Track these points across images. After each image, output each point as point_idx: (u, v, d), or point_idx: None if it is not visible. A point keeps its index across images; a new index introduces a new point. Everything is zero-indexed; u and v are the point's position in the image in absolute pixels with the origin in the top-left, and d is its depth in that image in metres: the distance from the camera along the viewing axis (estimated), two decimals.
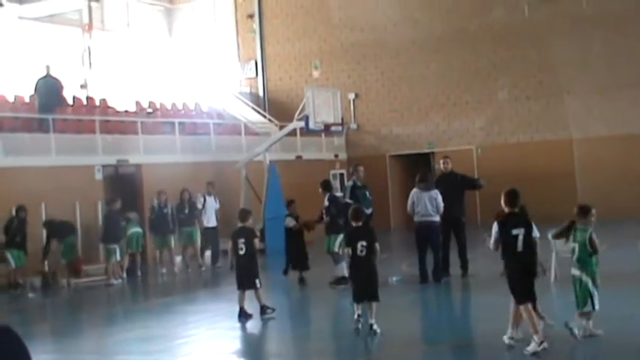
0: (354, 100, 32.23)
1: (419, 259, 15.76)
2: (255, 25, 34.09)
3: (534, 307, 9.31)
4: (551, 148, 28.68)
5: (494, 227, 9.61)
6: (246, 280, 12.81)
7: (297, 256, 17.07)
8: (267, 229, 23.92)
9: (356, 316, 11.16)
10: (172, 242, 21.51)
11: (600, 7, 28.05)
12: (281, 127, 27.54)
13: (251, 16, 34.19)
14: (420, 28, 30.94)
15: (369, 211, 16.53)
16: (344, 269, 15.17)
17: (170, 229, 21.37)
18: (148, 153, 23.80)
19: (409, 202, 15.78)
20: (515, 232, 9.40)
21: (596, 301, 9.35)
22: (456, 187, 16.51)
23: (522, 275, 9.35)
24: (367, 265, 11.09)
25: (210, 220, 21.89)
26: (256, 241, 13.12)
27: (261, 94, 34.08)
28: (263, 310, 12.88)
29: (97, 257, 21.21)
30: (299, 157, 29.03)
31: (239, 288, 12.89)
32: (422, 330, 12.39)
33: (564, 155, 28.38)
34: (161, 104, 29.47)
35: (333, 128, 24.93)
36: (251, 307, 12.86)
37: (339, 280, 15.65)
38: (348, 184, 17.42)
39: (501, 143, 29.82)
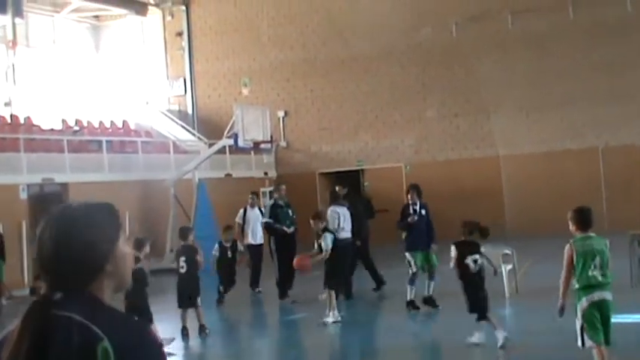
0: (283, 118, 32.21)
1: (345, 275, 15.76)
2: (184, 43, 33.88)
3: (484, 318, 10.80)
4: (478, 165, 29.04)
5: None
6: (187, 299, 12.68)
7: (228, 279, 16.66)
8: None
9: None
10: None
11: (525, 27, 28.57)
12: (210, 145, 27.36)
13: (180, 34, 33.98)
14: (350, 46, 31.11)
15: (291, 229, 16.68)
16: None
17: None
18: (75, 171, 23.41)
19: (335, 217, 15.53)
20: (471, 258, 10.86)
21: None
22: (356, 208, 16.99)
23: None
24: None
25: (255, 236, 18.32)
26: (198, 258, 12.95)
27: (190, 111, 33.84)
28: (201, 329, 12.76)
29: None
30: (228, 175, 28.85)
31: (180, 306, 12.75)
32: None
33: (492, 172, 28.76)
34: (88, 122, 29.05)
35: (262, 146, 24.91)
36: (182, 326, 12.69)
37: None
38: (269, 202, 17.40)
39: (430, 161, 30.09)
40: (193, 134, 31.65)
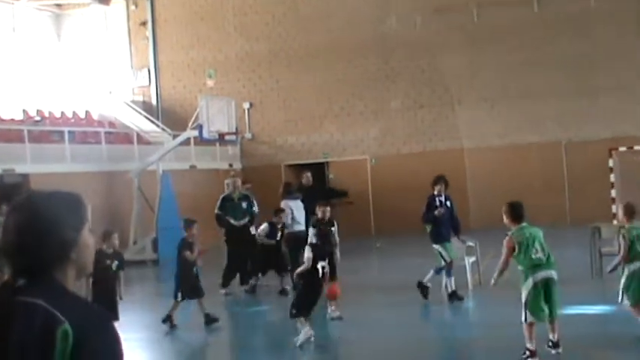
0: (248, 110, 32.07)
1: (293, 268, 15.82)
2: (148, 33, 33.59)
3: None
4: (443, 157, 29.07)
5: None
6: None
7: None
8: (160, 239, 23.64)
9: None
10: None
11: (491, 20, 28.66)
12: (175, 137, 27.18)
13: (144, 24, 33.68)
14: (316, 37, 31.02)
15: (244, 221, 16.59)
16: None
17: None
18: (36, 162, 23.13)
19: (288, 211, 15.84)
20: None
21: None
22: (317, 198, 16.87)
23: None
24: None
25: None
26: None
27: (154, 102, 33.58)
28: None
29: None
30: (193, 167, 28.69)
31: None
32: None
33: (456, 165, 28.80)
34: (50, 112, 28.73)
35: (227, 137, 24.75)
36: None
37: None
38: (221, 195, 17.25)
39: (395, 153, 30.12)
40: (157, 125, 31.42)
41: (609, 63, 27.48)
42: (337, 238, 13.07)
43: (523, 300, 9.18)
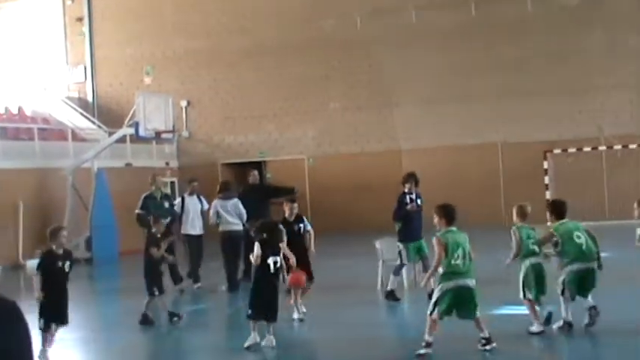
0: (186, 108, 31.84)
1: (226, 267, 15.85)
2: (85, 29, 33.13)
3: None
4: (380, 158, 29.22)
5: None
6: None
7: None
8: (95, 237, 23.34)
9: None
10: None
11: (429, 22, 28.87)
12: (111, 134, 26.83)
13: (80, 19, 33.21)
14: (254, 37, 30.91)
15: (167, 220, 16.42)
16: None
17: None
18: None
19: (212, 211, 16.06)
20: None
21: None
22: (262, 197, 17.13)
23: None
24: None
25: (194, 226, 16.91)
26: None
27: (90, 99, 33.13)
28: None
29: None
30: (129, 165, 28.33)
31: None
32: None
33: (393, 166, 28.93)
34: None
35: (164, 135, 24.51)
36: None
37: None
38: (143, 194, 17.01)
39: (333, 153, 30.16)
40: (93, 122, 30.98)
41: (545, 66, 27.89)
42: (312, 232, 12.73)
43: (434, 297, 9.43)
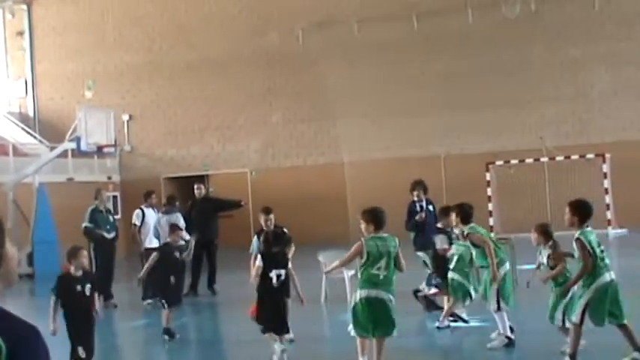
0: (128, 122, 31.68)
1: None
2: (25, 43, 32.83)
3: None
4: (323, 171, 29.38)
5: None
6: None
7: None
8: (36, 253, 23.12)
9: None
10: None
11: (371, 35, 29.11)
12: (52, 149, 26.60)
13: (21, 34, 32.90)
14: (196, 50, 30.91)
15: (111, 235, 16.48)
16: None
17: None
18: None
19: (155, 227, 16.24)
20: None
21: None
22: (209, 210, 17.52)
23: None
24: None
25: (152, 239, 16.62)
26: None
27: (31, 113, 32.80)
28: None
29: None
30: (70, 179, 28.10)
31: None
32: None
33: (336, 178, 29.17)
34: None
35: (106, 150, 24.41)
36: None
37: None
38: (89, 208, 16.97)
39: (275, 166, 30.23)
40: (35, 137, 30.68)
41: (487, 79, 28.27)
42: (292, 247, 11.33)
43: (350, 312, 9.00)
